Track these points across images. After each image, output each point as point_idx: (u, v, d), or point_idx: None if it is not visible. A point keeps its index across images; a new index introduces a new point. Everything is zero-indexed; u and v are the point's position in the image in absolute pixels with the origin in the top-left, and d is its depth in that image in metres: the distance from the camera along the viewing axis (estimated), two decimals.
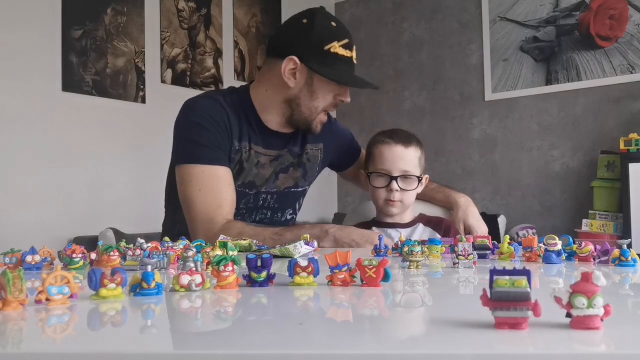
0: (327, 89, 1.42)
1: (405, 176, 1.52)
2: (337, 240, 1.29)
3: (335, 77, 1.39)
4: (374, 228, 1.59)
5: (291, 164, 1.55)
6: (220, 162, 1.41)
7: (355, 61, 1.43)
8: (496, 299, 0.46)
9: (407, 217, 1.60)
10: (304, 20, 1.39)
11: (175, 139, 1.47)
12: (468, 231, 1.55)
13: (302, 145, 1.57)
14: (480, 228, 1.56)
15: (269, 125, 1.48)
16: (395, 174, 1.51)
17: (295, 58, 1.38)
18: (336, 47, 1.37)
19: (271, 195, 1.53)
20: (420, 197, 1.65)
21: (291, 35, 1.41)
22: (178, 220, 1.50)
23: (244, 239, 1.27)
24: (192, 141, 1.41)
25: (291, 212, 1.63)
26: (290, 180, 1.56)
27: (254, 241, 1.25)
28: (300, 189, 1.59)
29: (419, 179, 1.55)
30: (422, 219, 1.60)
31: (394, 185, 1.51)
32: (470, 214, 1.58)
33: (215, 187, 1.39)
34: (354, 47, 1.43)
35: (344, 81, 1.41)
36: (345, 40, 1.39)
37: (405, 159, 1.53)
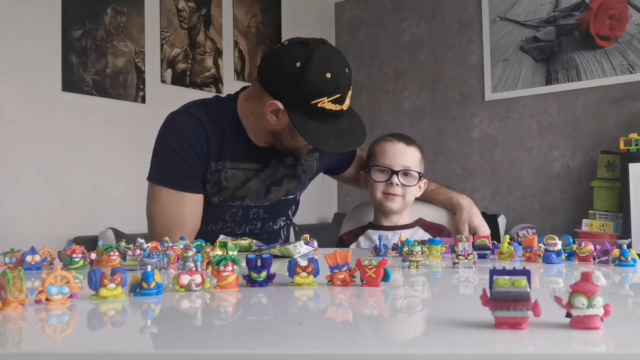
0: None
1: (406, 172, 1.53)
2: None
3: (311, 139, 1.30)
4: (369, 231, 1.59)
5: (284, 176, 1.51)
6: (187, 189, 1.40)
7: (346, 109, 1.33)
8: (496, 299, 0.46)
9: (405, 220, 1.59)
10: (298, 64, 1.25)
11: (153, 152, 1.47)
12: (474, 232, 1.55)
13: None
14: (485, 229, 1.56)
15: (256, 142, 1.44)
16: (396, 169, 1.53)
17: (279, 104, 1.29)
18: (324, 103, 1.26)
19: (263, 208, 1.51)
20: (421, 198, 1.64)
21: (280, 77, 1.29)
22: None
23: (244, 239, 1.27)
24: (165, 164, 1.42)
25: (284, 219, 1.60)
26: (283, 191, 1.52)
27: (254, 241, 1.25)
28: (291, 197, 1.57)
29: (420, 175, 1.55)
30: (422, 223, 1.60)
31: (395, 179, 1.51)
32: (475, 215, 1.58)
33: (177, 214, 1.41)
34: (348, 96, 1.32)
35: (318, 145, 1.33)
36: (337, 95, 1.27)
37: (407, 155, 1.55)
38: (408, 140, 1.59)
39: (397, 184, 1.52)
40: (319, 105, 1.26)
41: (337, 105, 1.29)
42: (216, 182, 1.42)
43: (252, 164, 1.45)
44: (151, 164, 1.46)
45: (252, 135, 1.43)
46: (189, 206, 1.41)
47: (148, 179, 1.46)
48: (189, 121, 1.41)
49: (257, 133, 1.43)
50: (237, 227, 1.50)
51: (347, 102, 1.32)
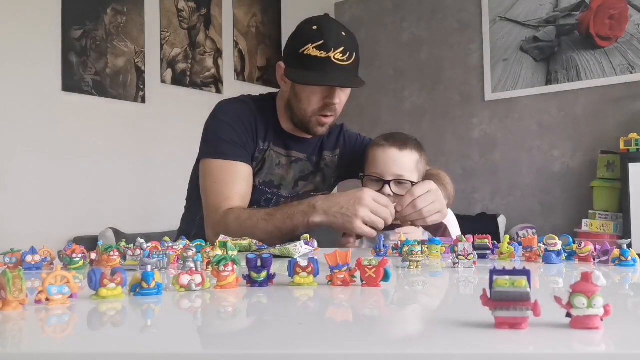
0: (308, 91, 1.44)
1: (399, 181, 1.45)
2: (327, 212, 1.32)
3: (299, 79, 1.42)
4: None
5: (311, 173, 1.63)
6: (239, 159, 1.47)
7: (336, 61, 1.38)
8: (496, 299, 0.46)
9: None
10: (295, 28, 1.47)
11: (202, 136, 1.55)
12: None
13: (319, 153, 1.64)
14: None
15: (286, 130, 1.56)
16: (387, 178, 1.44)
17: (282, 64, 1.47)
18: (310, 50, 1.38)
19: (291, 199, 1.57)
20: None
21: (287, 44, 1.49)
22: (196, 220, 1.58)
23: (244, 239, 1.27)
24: (217, 137, 1.49)
25: None
26: (311, 185, 1.63)
27: (254, 241, 1.26)
28: (320, 194, 1.60)
29: (413, 184, 1.44)
30: None
31: (387, 190, 1.43)
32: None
33: (229, 180, 1.46)
34: (335, 48, 1.38)
35: (306, 82, 1.42)
36: (320, 42, 1.38)
37: (399, 162, 1.45)
38: (402, 145, 1.47)
39: (389, 194, 1.42)
40: (305, 52, 1.39)
41: (323, 52, 1.38)
42: (262, 160, 1.52)
43: (286, 150, 1.57)
44: (201, 146, 1.55)
45: (283, 122, 1.56)
46: (241, 173, 1.48)
47: (199, 158, 1.54)
48: (239, 105, 1.54)
49: (284, 116, 1.55)
50: None
51: (339, 55, 1.39)
